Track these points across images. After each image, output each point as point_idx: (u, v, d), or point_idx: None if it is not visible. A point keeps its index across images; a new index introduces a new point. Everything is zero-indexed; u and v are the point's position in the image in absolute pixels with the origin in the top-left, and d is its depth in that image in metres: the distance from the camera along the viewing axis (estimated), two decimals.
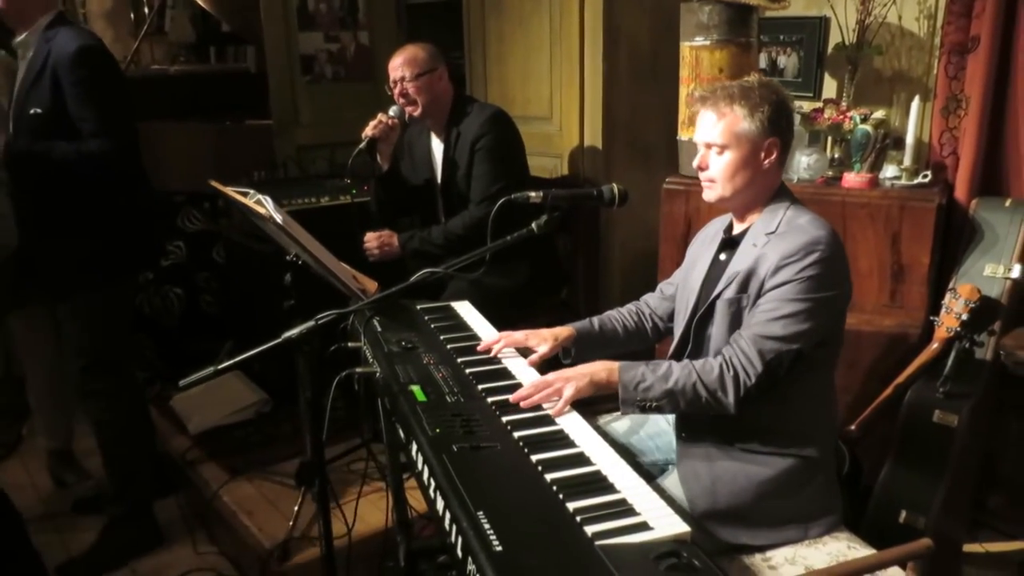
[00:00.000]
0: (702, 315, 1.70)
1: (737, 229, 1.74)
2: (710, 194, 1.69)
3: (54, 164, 2.24)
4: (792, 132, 1.67)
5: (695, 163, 1.69)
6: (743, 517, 1.62)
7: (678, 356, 1.78)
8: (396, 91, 2.69)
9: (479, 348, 1.82)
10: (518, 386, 1.66)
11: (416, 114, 2.72)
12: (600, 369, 1.60)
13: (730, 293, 1.64)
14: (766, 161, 1.63)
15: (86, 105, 2.25)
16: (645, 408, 1.58)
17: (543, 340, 1.82)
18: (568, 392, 1.56)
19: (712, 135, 1.63)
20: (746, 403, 1.56)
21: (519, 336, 1.83)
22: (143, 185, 2.53)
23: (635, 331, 1.96)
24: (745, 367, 1.54)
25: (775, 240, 1.60)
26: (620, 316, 1.98)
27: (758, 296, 1.59)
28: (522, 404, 1.56)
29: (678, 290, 1.88)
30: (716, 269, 1.73)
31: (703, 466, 1.65)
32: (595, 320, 1.95)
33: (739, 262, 1.65)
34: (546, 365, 1.80)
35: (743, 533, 1.62)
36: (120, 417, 2.56)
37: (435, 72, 2.69)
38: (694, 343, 1.73)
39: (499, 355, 1.80)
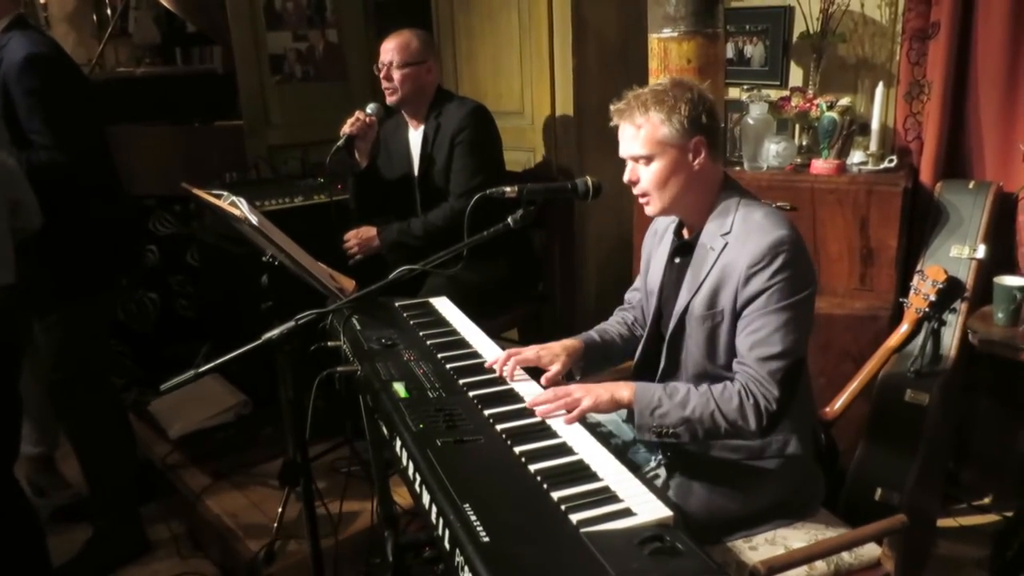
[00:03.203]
0: (673, 332, 1.66)
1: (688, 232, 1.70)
2: (650, 209, 1.63)
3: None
4: (717, 126, 1.60)
5: (625, 177, 1.62)
6: (739, 520, 1.63)
7: (647, 369, 1.74)
8: (382, 73, 2.69)
9: (486, 366, 1.73)
10: (500, 380, 1.67)
11: (394, 100, 2.71)
12: (622, 387, 1.56)
13: (700, 310, 1.60)
14: (696, 162, 1.56)
15: (35, 117, 2.17)
16: (662, 435, 1.52)
17: (555, 357, 1.74)
18: (586, 403, 1.52)
19: (634, 148, 1.57)
20: (771, 427, 1.53)
21: (530, 355, 1.73)
22: (116, 195, 2.46)
23: (629, 338, 1.92)
24: (764, 393, 1.50)
25: (733, 243, 1.56)
26: (613, 327, 1.93)
27: (734, 310, 1.56)
28: (538, 412, 1.52)
29: (643, 294, 1.85)
30: (671, 274, 1.71)
31: (696, 476, 1.63)
32: (595, 332, 1.90)
33: (697, 268, 1.61)
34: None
35: (739, 536, 1.63)
36: (96, 431, 2.50)
37: (424, 64, 2.69)
38: (668, 360, 1.68)
39: (512, 377, 1.68)
